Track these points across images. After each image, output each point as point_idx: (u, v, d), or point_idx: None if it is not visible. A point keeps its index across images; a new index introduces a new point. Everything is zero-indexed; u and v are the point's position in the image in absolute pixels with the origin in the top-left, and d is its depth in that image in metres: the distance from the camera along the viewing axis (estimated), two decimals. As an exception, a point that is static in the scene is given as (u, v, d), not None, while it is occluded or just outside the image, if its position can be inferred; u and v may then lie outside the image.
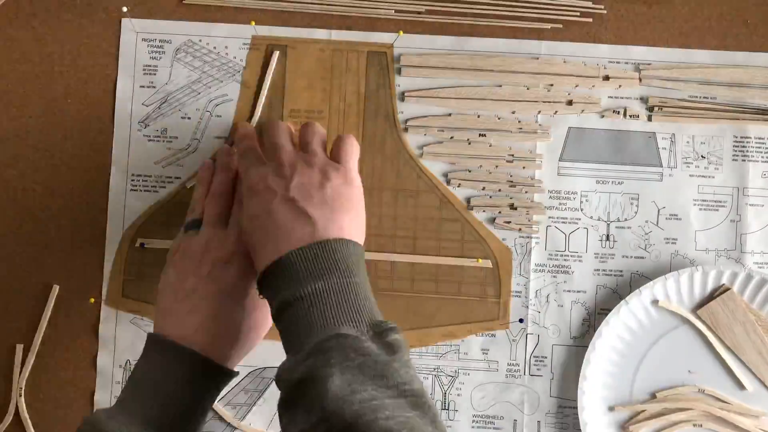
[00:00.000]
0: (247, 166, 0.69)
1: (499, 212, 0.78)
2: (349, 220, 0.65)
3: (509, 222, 0.78)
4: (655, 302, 0.76)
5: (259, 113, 0.78)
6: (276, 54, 0.78)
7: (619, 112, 0.78)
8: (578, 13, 0.78)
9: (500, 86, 0.79)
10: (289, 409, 0.58)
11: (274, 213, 0.64)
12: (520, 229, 0.77)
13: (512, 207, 0.78)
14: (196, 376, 0.66)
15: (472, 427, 0.77)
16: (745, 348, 0.75)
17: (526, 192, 0.78)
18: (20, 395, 0.77)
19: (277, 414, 0.59)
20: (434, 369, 0.78)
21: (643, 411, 0.76)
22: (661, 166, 0.78)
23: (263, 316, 0.70)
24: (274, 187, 0.65)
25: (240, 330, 0.68)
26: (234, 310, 0.68)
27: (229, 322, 0.68)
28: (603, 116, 0.78)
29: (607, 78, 0.78)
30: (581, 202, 0.78)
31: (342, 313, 0.59)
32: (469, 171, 0.78)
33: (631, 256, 0.78)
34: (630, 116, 0.78)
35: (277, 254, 0.62)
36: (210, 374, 0.67)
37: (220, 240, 0.69)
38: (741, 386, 0.76)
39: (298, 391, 0.58)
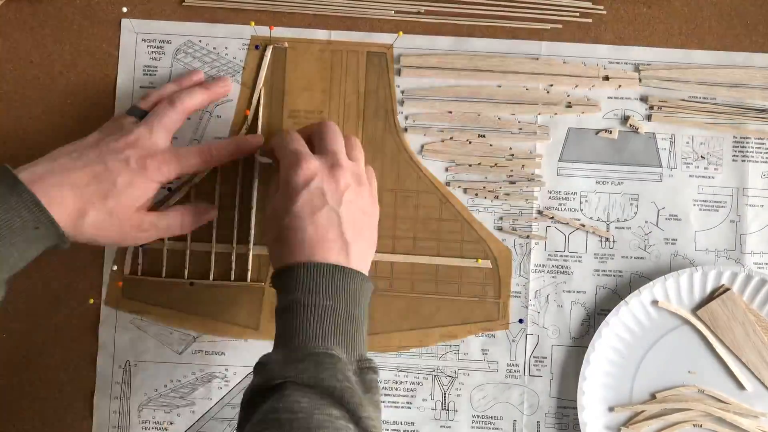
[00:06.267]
0: (299, 150, 0.69)
1: (498, 196, 0.78)
2: (371, 256, 0.70)
3: (515, 229, 0.78)
4: (654, 303, 0.76)
5: (253, 108, 0.78)
6: (270, 48, 0.78)
7: (611, 132, 0.78)
8: (578, 14, 0.79)
9: (500, 87, 0.79)
10: (263, 396, 0.60)
11: (318, 221, 0.66)
12: (528, 236, 0.77)
13: (508, 195, 0.78)
14: (27, 225, 0.63)
15: (472, 427, 0.77)
16: (745, 348, 0.75)
17: (526, 186, 0.78)
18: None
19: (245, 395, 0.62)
20: (434, 369, 0.78)
21: (643, 411, 0.76)
22: (661, 166, 0.78)
23: (139, 226, 0.69)
24: (326, 195, 0.67)
25: (105, 217, 0.67)
26: (115, 203, 0.67)
27: (100, 206, 0.67)
28: (598, 133, 0.78)
29: (606, 78, 0.78)
30: (581, 202, 0.78)
31: (338, 336, 0.63)
32: (470, 167, 0.78)
33: (631, 257, 0.78)
34: (630, 125, 0.78)
35: (306, 258, 0.65)
36: (44, 234, 0.65)
37: (148, 149, 0.69)
38: (741, 386, 0.76)
39: (277, 388, 0.60)
